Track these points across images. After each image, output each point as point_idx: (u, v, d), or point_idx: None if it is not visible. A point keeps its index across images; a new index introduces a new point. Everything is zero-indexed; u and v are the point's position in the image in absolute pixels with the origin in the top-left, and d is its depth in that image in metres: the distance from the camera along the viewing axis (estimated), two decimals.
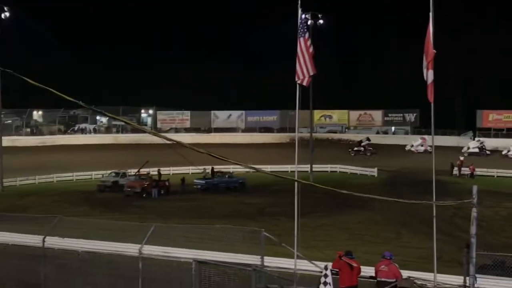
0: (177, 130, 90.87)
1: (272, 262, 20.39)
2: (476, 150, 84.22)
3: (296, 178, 21.10)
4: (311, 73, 21.14)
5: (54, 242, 24.82)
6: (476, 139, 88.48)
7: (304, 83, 21.13)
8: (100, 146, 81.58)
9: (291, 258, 20.42)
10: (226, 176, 60.03)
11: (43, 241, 23.94)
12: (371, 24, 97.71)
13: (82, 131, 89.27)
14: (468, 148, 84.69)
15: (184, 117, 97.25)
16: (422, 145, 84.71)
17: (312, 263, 19.91)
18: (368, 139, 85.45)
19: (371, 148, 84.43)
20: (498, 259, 28.29)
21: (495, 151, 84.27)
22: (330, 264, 18.43)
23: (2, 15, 65.92)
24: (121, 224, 33.09)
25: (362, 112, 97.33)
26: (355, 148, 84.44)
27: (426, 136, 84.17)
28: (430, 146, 78.93)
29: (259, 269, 19.09)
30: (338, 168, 72.06)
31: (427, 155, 69.02)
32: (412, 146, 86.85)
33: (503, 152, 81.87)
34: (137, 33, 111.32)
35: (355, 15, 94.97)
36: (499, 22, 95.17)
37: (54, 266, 23.58)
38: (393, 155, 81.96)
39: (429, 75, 19.47)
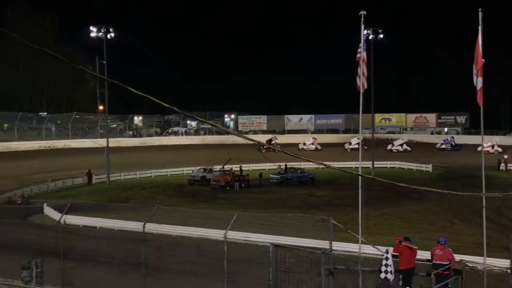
0: (255, 132, 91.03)
1: (339, 246, 20.36)
2: (447, 146, 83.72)
3: (360, 173, 20.97)
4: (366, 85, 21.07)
5: (152, 228, 25.16)
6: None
7: (360, 90, 21.02)
8: (189, 146, 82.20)
9: (355, 243, 20.34)
10: (298, 171, 59.88)
11: (143, 227, 24.20)
12: (426, 36, 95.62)
13: (175, 133, 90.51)
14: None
15: (261, 120, 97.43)
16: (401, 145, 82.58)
17: (375, 248, 19.76)
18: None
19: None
20: None
21: None
22: (391, 249, 18.28)
23: (108, 36, 67.23)
24: (207, 212, 33.37)
25: (418, 115, 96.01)
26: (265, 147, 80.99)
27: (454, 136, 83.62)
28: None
29: (327, 252, 19.01)
30: (397, 164, 71.18)
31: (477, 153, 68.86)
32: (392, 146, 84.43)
33: None
34: (222, 51, 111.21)
35: (411, 28, 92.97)
36: None
37: (153, 248, 23.86)
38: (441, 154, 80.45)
39: (478, 82, 19.20)
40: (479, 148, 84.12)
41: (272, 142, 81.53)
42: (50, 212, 39.02)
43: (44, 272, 23.80)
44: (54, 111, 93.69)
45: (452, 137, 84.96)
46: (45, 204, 41.78)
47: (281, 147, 66.00)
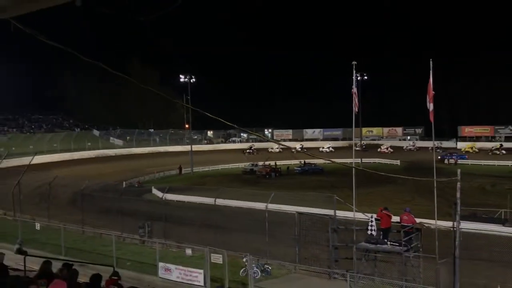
0: (284, 141, 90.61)
1: (340, 213, 20.07)
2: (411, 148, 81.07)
3: (353, 166, 20.74)
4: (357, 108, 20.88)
5: (220, 201, 25.22)
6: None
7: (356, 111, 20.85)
8: (242, 150, 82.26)
9: (350, 211, 20.09)
10: (313, 165, 59.66)
11: (215, 201, 24.30)
12: (395, 74, 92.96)
13: (234, 141, 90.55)
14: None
15: (288, 133, 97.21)
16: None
17: (364, 214, 19.51)
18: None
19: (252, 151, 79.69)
20: (472, 212, 27.14)
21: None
22: (374, 215, 18.05)
23: (191, 80, 68.27)
24: (254, 192, 33.39)
25: (390, 128, 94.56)
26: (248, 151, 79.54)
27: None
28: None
29: (332, 217, 18.84)
30: (377, 160, 70.13)
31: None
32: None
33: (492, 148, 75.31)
34: (260, 86, 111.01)
35: (383, 71, 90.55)
36: None
37: (220, 215, 23.93)
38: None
39: (430, 106, 18.80)
40: (430, 150, 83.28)
41: (252, 148, 79.74)
42: (156, 192, 39.50)
43: (153, 230, 24.08)
44: (157, 128, 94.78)
45: (414, 142, 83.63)
46: (152, 187, 42.33)
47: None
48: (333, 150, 79.72)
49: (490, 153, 72.20)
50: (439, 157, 63.93)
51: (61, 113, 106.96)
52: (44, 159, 53.49)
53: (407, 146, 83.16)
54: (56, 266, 9.07)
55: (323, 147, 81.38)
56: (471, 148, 75.61)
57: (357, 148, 75.53)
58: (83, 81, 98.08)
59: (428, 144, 68.50)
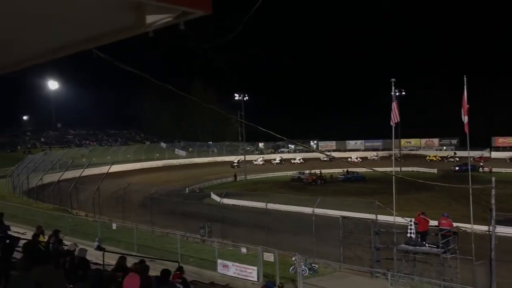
0: (328, 151, 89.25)
1: (381, 218, 19.57)
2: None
3: (393, 174, 20.22)
4: (397, 120, 20.38)
5: (271, 206, 25.14)
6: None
7: (393, 124, 20.38)
8: (290, 159, 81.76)
9: (391, 216, 19.54)
10: (355, 173, 58.50)
11: (266, 205, 24.27)
12: (429, 89, 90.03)
13: (282, 152, 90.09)
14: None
15: (331, 144, 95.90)
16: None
17: (404, 218, 18.94)
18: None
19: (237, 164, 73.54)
20: (506, 217, 25.81)
21: None
22: (413, 219, 17.50)
23: (244, 98, 69.08)
24: (301, 197, 33.12)
25: (427, 139, 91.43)
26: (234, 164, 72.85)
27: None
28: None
29: (374, 221, 18.40)
30: (415, 168, 67.74)
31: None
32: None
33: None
34: (307, 105, 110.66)
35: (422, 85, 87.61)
36: None
37: (271, 218, 23.84)
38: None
39: (465, 119, 18.06)
40: (445, 160, 78.95)
41: (239, 161, 73.24)
42: (214, 197, 39.88)
43: (212, 230, 24.30)
44: (215, 140, 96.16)
45: (455, 153, 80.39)
46: (211, 192, 42.77)
47: (345, 160, 65.75)
48: (360, 160, 77.49)
49: (508, 161, 69.76)
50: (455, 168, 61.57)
51: (133, 129, 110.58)
52: (119, 168, 55.23)
53: (371, 156, 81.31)
54: (129, 261, 9.33)
55: (351, 158, 78.32)
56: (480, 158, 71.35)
57: (454, 159, 73.49)
58: (153, 101, 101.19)
59: (463, 153, 66.12)
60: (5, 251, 6.46)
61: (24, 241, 11.38)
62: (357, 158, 78.29)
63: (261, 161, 78.69)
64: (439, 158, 77.89)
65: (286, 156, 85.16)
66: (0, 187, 43.07)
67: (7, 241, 12.93)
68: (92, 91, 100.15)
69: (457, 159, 72.90)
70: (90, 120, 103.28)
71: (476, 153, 70.35)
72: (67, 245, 11.60)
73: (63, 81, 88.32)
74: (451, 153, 79.31)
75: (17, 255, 7.05)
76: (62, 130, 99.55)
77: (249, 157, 78.10)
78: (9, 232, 17.32)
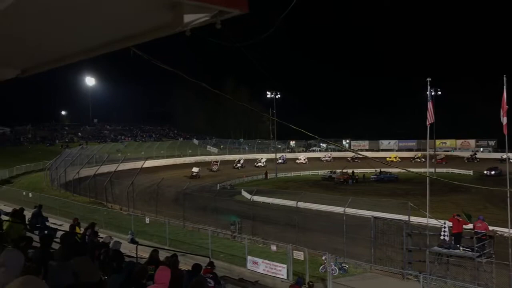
0: (361, 150, 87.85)
1: (414, 219, 19.22)
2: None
3: (427, 175, 19.79)
4: (432, 120, 19.92)
5: (301, 204, 25.02)
6: None
7: (428, 124, 19.93)
8: (321, 158, 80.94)
9: (424, 217, 19.14)
10: (388, 173, 57.41)
11: (297, 203, 24.19)
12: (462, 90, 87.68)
13: (314, 150, 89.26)
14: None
15: (365, 143, 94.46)
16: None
17: (437, 220, 18.52)
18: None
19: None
20: None
21: None
22: (447, 221, 17.09)
23: (276, 96, 69.14)
24: (333, 197, 32.85)
25: (463, 140, 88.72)
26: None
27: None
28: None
29: (407, 222, 18.05)
30: (450, 170, 65.72)
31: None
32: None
33: None
34: (339, 105, 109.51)
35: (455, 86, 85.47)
36: None
37: (301, 216, 23.74)
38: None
39: (504, 120, 17.44)
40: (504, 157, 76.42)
41: (217, 162, 67.66)
42: (245, 194, 40.01)
43: (242, 227, 24.42)
44: (246, 138, 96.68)
45: (331, 154, 78.54)
46: (242, 189, 42.93)
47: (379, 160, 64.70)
48: (423, 160, 75.13)
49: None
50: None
51: (167, 125, 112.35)
52: (153, 164, 56.16)
53: (324, 157, 78.77)
54: (162, 255, 9.49)
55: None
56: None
57: (420, 160, 71.32)
58: (187, 99, 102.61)
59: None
60: (44, 242, 6.68)
61: (62, 232, 11.79)
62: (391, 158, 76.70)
63: (281, 159, 74.92)
64: (399, 159, 73.99)
65: (315, 155, 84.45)
66: (39, 179, 44.69)
67: (46, 232, 13.45)
68: (127, 88, 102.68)
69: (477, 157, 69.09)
70: (125, 116, 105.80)
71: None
72: (102, 238, 11.91)
73: (100, 77, 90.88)
74: (418, 154, 76.49)
75: (55, 245, 7.29)
76: (98, 126, 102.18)
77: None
78: (47, 224, 18.00)
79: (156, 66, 4.89)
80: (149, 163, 48.49)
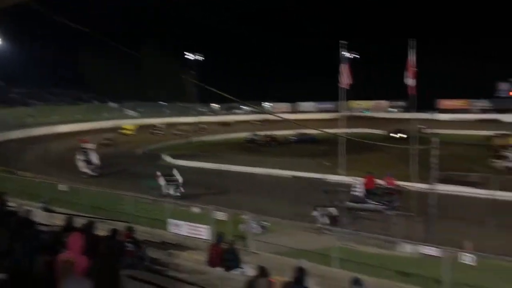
0: (282, 112, 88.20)
1: (330, 177, 20.07)
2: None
3: (343, 136, 20.55)
4: (349, 82, 20.68)
5: (224, 167, 25.09)
6: None
7: (342, 86, 20.67)
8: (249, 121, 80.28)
9: (339, 176, 20.07)
10: (307, 135, 58.55)
11: (219, 166, 24.19)
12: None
13: (235, 113, 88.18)
14: None
15: (285, 106, 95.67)
16: None
17: (352, 178, 19.57)
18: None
19: None
20: (446, 175, 27.05)
21: None
22: (359, 178, 18.15)
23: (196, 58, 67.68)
24: (253, 158, 32.99)
25: (376, 101, 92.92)
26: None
27: None
28: None
29: (323, 180, 18.92)
30: (366, 130, 68.33)
31: None
32: None
33: None
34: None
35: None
36: None
37: (224, 178, 23.92)
38: None
39: None
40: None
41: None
42: (167, 158, 39.09)
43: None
44: (167, 101, 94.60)
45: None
46: (162, 155, 41.87)
47: None
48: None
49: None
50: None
51: (82, 88, 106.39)
52: (68, 129, 53.47)
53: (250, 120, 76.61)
54: (80, 223, 9.26)
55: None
56: None
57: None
58: (101, 60, 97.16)
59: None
60: None
61: None
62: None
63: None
64: (135, 133, 63.33)
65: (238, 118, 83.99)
66: None
67: None
68: (35, 49, 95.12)
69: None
70: (33, 78, 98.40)
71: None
72: (12, 207, 11.34)
73: (3, 36, 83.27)
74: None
75: None
76: (4, 88, 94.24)
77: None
78: None
79: (65, 24, 4.66)
80: (64, 128, 46.12)
